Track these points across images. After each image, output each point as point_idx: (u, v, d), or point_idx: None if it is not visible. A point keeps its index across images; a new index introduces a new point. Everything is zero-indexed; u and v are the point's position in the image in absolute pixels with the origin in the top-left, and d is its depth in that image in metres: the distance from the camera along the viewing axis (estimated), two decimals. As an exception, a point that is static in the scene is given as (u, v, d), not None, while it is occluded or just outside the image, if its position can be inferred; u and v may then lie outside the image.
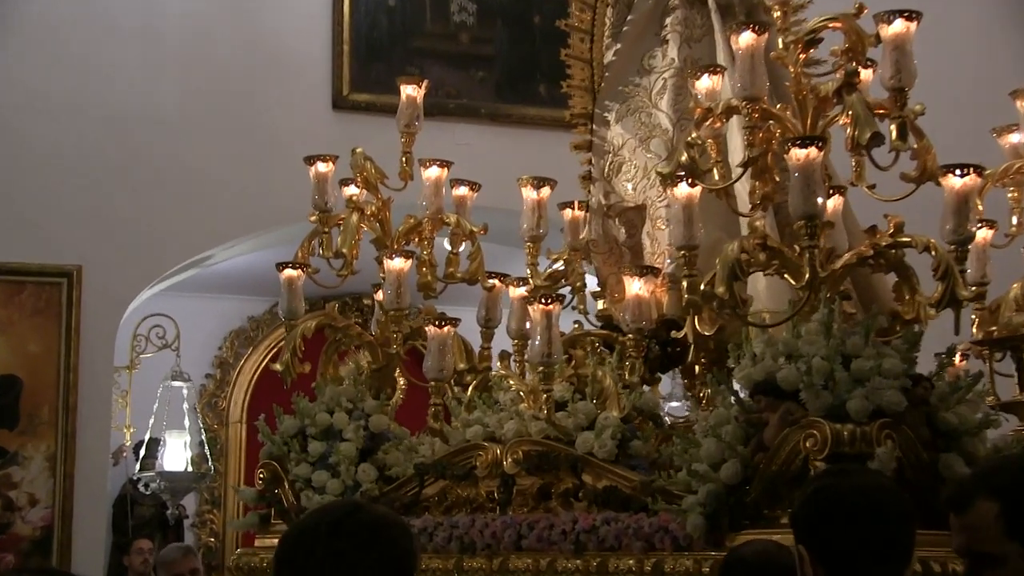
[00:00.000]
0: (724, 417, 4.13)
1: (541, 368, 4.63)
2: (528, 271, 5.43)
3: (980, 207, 4.72)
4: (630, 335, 4.83)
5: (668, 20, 5.48)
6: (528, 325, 4.95)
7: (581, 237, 5.47)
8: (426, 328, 5.09)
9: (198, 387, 10.36)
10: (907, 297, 4.47)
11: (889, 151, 4.36)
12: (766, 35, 4.52)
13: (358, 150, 5.69)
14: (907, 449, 3.88)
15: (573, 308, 5.31)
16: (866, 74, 4.54)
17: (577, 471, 4.60)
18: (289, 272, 5.42)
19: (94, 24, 8.11)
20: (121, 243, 7.96)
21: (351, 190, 5.64)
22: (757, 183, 4.60)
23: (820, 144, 4.23)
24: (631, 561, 4.24)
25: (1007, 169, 5.20)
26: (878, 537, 2.66)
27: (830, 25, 4.53)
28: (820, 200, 4.22)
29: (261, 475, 5.52)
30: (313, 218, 5.61)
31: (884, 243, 4.40)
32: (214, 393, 10.55)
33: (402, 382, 5.71)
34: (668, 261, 5.13)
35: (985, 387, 4.66)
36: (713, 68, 4.78)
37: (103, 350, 7.99)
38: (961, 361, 5.00)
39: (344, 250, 5.50)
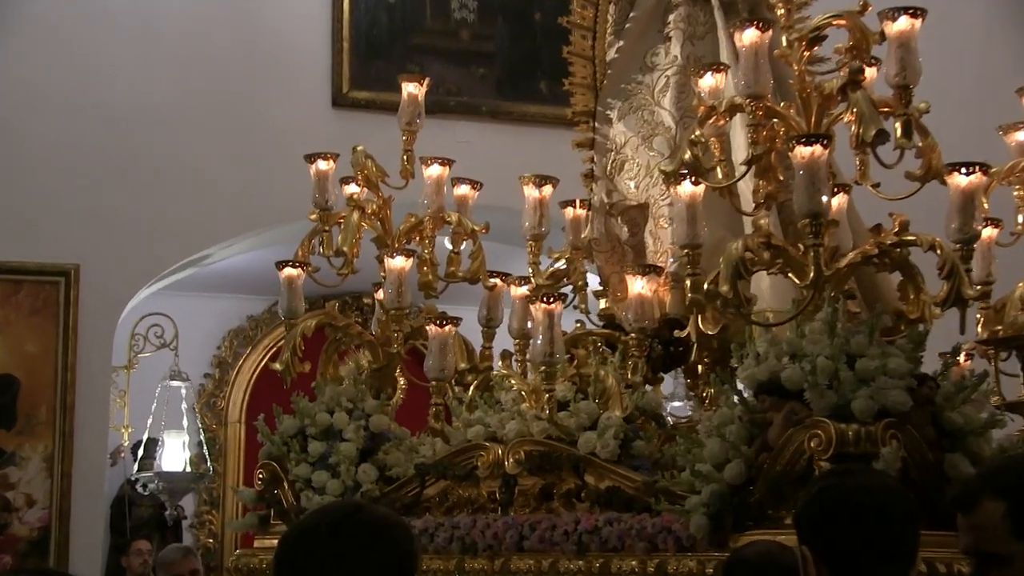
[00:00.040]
0: (728, 417, 4.12)
1: (543, 368, 4.61)
2: (530, 270, 5.41)
3: (986, 205, 4.68)
4: (633, 334, 4.83)
5: (671, 17, 5.47)
6: (530, 324, 4.95)
7: (583, 236, 5.45)
8: (427, 327, 5.08)
9: (197, 387, 10.33)
10: (912, 296, 4.47)
11: (894, 149, 4.34)
12: (770, 32, 4.50)
13: (359, 148, 5.66)
14: (912, 449, 3.86)
15: (575, 307, 5.29)
16: (870, 71, 4.53)
17: (579, 471, 4.59)
18: (289, 271, 5.39)
19: (93, 23, 8.10)
20: (119, 242, 7.94)
21: (352, 188, 5.62)
22: (761, 181, 4.59)
23: (825, 142, 4.20)
24: (634, 562, 4.22)
25: (1013, 167, 5.16)
26: (883, 537, 2.64)
27: (834, 22, 4.51)
28: (825, 198, 4.20)
29: (260, 475, 5.50)
30: (313, 216, 5.59)
31: (889, 242, 4.40)
32: (213, 393, 10.52)
33: (403, 382, 5.70)
34: (671, 260, 5.12)
35: (990, 387, 4.66)
36: (716, 66, 4.77)
37: (101, 349, 7.97)
38: (966, 360, 4.98)
39: (345, 249, 5.48)
